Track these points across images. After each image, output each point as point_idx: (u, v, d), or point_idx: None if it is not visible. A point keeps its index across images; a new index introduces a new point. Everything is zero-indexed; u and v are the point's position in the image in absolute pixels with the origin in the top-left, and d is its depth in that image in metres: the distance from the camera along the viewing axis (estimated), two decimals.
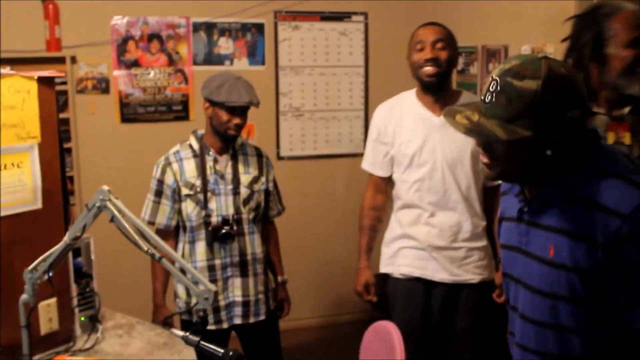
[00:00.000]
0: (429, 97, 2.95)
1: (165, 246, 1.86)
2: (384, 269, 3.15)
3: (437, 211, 2.97)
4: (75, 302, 2.52)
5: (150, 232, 1.84)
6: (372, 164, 3.16)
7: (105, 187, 1.86)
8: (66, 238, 1.94)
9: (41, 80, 2.33)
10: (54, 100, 2.39)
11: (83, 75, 4.35)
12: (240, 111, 2.94)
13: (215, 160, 3.02)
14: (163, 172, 3.03)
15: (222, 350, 1.76)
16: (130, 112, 4.49)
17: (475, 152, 2.86)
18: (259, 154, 3.17)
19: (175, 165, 3.02)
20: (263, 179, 3.12)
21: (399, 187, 3.07)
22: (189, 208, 2.99)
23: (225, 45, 4.65)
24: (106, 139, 4.41)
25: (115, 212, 1.81)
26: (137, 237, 1.81)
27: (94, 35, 4.35)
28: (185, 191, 2.99)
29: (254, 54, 4.73)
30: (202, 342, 1.79)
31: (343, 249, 4.90)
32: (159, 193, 3.04)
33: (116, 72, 4.45)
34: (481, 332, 3.04)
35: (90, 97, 4.38)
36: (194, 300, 3.04)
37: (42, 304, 2.35)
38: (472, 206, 2.97)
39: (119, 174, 4.34)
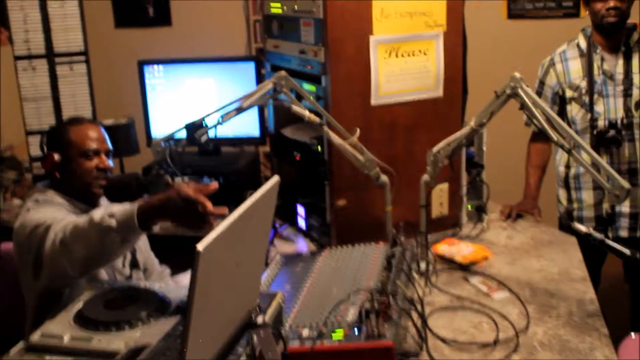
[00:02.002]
0: None
1: (575, 136, 1.79)
2: None
3: None
4: (465, 190, 2.61)
5: (560, 121, 1.78)
6: None
7: (517, 74, 1.84)
8: (472, 123, 1.98)
9: None
10: None
11: None
12: None
13: (603, 59, 2.79)
14: (546, 73, 2.91)
15: (629, 251, 1.68)
16: (517, 8, 4.38)
17: None
18: None
19: (559, 66, 2.88)
20: None
21: None
22: (574, 111, 2.84)
23: None
24: (492, 34, 4.38)
25: (526, 99, 1.79)
26: (546, 126, 1.77)
27: None
28: (569, 93, 2.84)
29: None
30: (607, 240, 1.72)
31: None
32: (538, 94, 2.92)
33: None
34: None
35: None
36: (574, 206, 2.95)
37: (435, 188, 2.48)
38: None
39: (504, 70, 4.30)
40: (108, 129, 2.29)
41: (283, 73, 2.10)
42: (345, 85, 2.32)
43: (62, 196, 2.07)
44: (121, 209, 1.63)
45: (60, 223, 1.74)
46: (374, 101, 2.35)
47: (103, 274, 2.01)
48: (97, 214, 1.64)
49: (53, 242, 1.71)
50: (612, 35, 2.76)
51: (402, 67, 2.37)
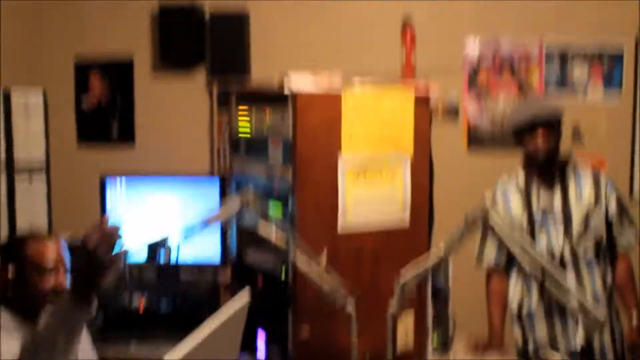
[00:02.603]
0: None
1: (544, 263, 1.77)
2: None
3: None
4: (430, 320, 2.55)
5: (531, 247, 1.77)
6: None
7: (487, 199, 1.83)
8: (441, 250, 1.95)
9: (418, 97, 2.42)
10: (429, 117, 2.46)
11: (433, 102, 4.45)
12: (541, 130, 2.72)
13: (540, 194, 2.82)
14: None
15: None
16: (477, 140, 4.50)
17: None
18: (597, 179, 2.85)
19: (500, 202, 2.89)
20: (602, 207, 2.82)
21: None
22: None
23: (579, 72, 4.43)
24: (453, 165, 4.46)
25: (497, 226, 1.78)
26: (518, 251, 1.75)
27: (447, 61, 4.45)
28: None
29: (611, 82, 4.43)
30: None
31: None
32: (484, 229, 2.92)
33: (466, 99, 4.50)
34: None
35: (439, 124, 4.47)
36: (529, 344, 2.89)
37: (401, 318, 2.41)
38: None
39: (463, 199, 4.35)
40: None
41: (251, 191, 2.07)
42: (312, 206, 2.30)
43: (13, 317, 1.94)
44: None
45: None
46: (340, 226, 2.32)
47: None
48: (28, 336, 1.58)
49: None
50: (545, 170, 2.81)
51: (370, 192, 2.37)
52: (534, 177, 2.83)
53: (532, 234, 2.77)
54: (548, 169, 2.80)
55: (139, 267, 1.95)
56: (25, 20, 4.70)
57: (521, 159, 2.94)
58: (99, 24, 4.83)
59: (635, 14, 4.36)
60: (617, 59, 4.44)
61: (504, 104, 4.46)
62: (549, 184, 2.82)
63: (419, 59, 4.43)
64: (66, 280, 2.02)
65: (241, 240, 2.64)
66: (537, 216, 2.79)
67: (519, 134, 2.79)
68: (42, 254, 1.99)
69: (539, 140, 2.72)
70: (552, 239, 2.77)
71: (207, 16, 4.64)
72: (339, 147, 2.32)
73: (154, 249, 1.92)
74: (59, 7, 4.87)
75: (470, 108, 4.49)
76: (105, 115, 4.74)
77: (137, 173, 3.46)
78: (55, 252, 2.02)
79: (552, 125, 2.75)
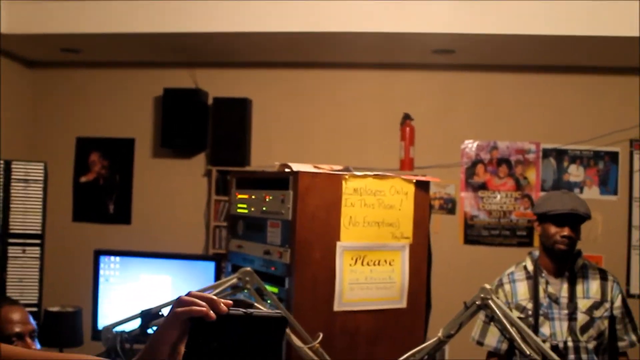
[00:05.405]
0: None
1: (548, 351, 1.74)
2: None
3: None
4: None
5: (531, 334, 1.74)
6: None
7: (488, 286, 1.82)
8: (440, 335, 1.92)
9: (418, 184, 2.44)
10: (428, 205, 2.47)
11: (431, 195, 4.50)
12: (568, 222, 2.74)
13: (549, 283, 2.83)
14: (494, 293, 2.92)
15: None
16: (474, 234, 4.51)
17: None
18: (604, 277, 2.88)
19: (507, 287, 2.91)
20: (607, 305, 2.82)
21: None
22: None
23: (575, 172, 4.51)
24: (448, 258, 4.46)
25: (497, 311, 1.75)
26: (518, 339, 1.72)
27: (445, 157, 4.53)
28: (516, 314, 2.82)
29: (606, 183, 4.49)
30: None
31: None
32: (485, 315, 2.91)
33: (463, 194, 4.54)
34: None
35: (436, 217, 4.51)
36: None
37: None
38: None
39: (458, 293, 4.32)
40: (53, 315, 2.15)
41: (248, 269, 2.05)
42: (309, 288, 2.27)
43: None
44: None
45: None
46: (336, 307, 2.29)
47: None
48: None
49: None
50: (559, 260, 2.83)
51: (367, 276, 2.34)
52: (545, 265, 2.85)
53: (536, 320, 2.76)
54: (562, 260, 2.82)
55: (130, 335, 1.90)
56: (31, 97, 4.79)
57: (539, 245, 2.94)
58: (103, 103, 4.94)
59: (628, 119, 4.48)
60: (612, 161, 4.52)
61: (500, 199, 4.50)
62: (558, 273, 2.83)
63: (417, 157, 4.51)
64: (34, 344, 1.96)
65: None
66: (544, 303, 2.79)
67: (547, 219, 2.81)
68: (5, 322, 1.92)
69: (566, 232, 2.75)
70: (556, 327, 2.76)
71: (210, 100, 4.74)
72: (339, 231, 2.32)
73: (148, 317, 1.88)
74: (65, 85, 4.99)
75: (467, 203, 4.53)
76: (103, 193, 4.76)
77: (131, 251, 3.44)
78: (20, 317, 1.96)
79: (581, 221, 2.80)
